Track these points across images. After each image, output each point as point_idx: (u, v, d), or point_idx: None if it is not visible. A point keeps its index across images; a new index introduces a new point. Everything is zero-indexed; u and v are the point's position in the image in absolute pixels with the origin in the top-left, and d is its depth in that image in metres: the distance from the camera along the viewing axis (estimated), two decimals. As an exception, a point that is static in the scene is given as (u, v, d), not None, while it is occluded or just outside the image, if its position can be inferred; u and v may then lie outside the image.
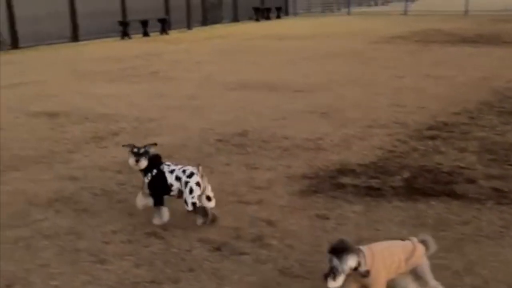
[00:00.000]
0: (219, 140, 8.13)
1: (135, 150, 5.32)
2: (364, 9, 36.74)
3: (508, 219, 5.31)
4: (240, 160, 7.23)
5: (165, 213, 5.40)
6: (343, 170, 6.73)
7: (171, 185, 5.27)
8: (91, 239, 5.12)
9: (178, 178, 5.24)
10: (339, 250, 3.58)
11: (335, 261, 3.54)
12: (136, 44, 22.14)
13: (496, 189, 6.01)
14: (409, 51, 17.03)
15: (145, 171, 5.35)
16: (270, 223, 5.37)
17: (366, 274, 3.62)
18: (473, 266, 4.47)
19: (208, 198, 5.36)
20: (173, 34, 25.80)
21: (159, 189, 5.33)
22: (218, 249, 4.89)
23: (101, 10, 24.31)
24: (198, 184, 5.22)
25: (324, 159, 7.18)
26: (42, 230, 5.33)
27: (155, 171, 5.32)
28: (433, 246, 3.95)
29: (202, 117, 9.57)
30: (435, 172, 6.58)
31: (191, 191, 5.19)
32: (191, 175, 5.22)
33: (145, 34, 24.95)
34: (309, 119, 9.19)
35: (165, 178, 5.29)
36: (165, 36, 25.10)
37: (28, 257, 4.81)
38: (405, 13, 32.32)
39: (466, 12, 30.49)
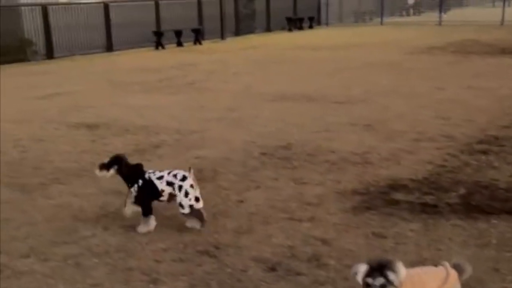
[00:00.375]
0: (263, 154, 7.97)
1: (102, 163, 5.58)
2: (397, 19, 36.39)
3: None
4: (287, 175, 7.06)
5: (152, 222, 5.47)
6: (395, 186, 6.53)
7: (162, 191, 5.34)
8: (142, 258, 4.98)
9: (170, 183, 5.31)
10: (384, 264, 3.34)
11: (383, 278, 3.28)
12: (171, 54, 22.12)
13: (559, 207, 5.77)
14: (448, 62, 16.75)
15: (130, 182, 5.44)
16: (325, 241, 5.19)
17: None
18: (545, 291, 4.26)
19: (196, 199, 5.39)
20: (207, 44, 25.77)
21: (147, 198, 5.41)
22: (273, 269, 4.72)
23: (135, 20, 24.39)
24: (192, 186, 5.31)
25: (373, 174, 6.99)
26: (91, 247, 5.20)
27: (140, 181, 5.38)
28: (468, 271, 3.73)
29: (244, 129, 9.43)
30: (491, 188, 6.35)
31: (186, 194, 5.29)
32: (184, 178, 5.30)
33: (179, 44, 24.93)
34: (353, 132, 9.00)
35: (153, 186, 5.34)
36: (198, 46, 25.08)
37: (78, 276, 4.68)
38: (439, 23, 31.92)
39: (502, 22, 29.97)
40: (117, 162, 5.53)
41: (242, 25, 30.12)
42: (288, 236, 5.32)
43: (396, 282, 3.24)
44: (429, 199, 6.09)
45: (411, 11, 42.81)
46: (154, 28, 25.12)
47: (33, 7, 21.48)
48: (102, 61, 20.66)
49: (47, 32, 21.54)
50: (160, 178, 5.36)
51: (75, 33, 22.43)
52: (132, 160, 7.82)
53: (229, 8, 28.85)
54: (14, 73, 17.85)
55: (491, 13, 34.03)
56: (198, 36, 25.94)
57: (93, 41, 23.16)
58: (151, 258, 4.96)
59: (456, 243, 5.08)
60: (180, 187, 5.28)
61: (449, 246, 5.03)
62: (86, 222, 5.80)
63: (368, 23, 36.62)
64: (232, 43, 26.19)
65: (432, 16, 35.24)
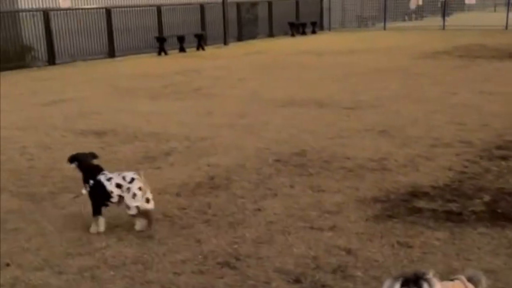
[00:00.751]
0: (277, 160, 7.79)
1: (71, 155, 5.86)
2: (399, 24, 36.21)
3: None
4: (304, 182, 6.87)
5: (101, 223, 5.58)
6: (416, 193, 6.34)
7: (111, 192, 5.41)
8: (160, 270, 4.79)
9: (118, 185, 5.38)
10: (420, 276, 3.17)
11: None
12: (174, 60, 21.94)
13: None
14: (456, 67, 16.56)
15: (85, 181, 5.56)
16: (349, 251, 5.00)
17: None
18: None
19: (147, 200, 5.46)
20: (209, 49, 25.57)
21: (97, 199, 5.52)
22: (298, 281, 4.54)
23: (137, 26, 24.23)
24: (140, 188, 5.38)
25: (392, 180, 6.80)
26: (107, 259, 5.01)
27: (91, 181, 5.48)
28: (483, 283, 3.56)
29: (255, 135, 9.24)
30: (516, 195, 6.17)
31: (134, 195, 5.36)
32: (132, 180, 5.38)
33: (182, 49, 24.76)
34: (368, 138, 8.81)
35: (103, 188, 5.41)
36: (201, 52, 24.88)
37: (96, 290, 4.49)
38: (443, 27, 31.75)
39: (506, 27, 29.76)
40: (78, 159, 5.73)
41: (245, 30, 29.97)
42: (310, 246, 5.13)
43: None
44: (453, 206, 5.91)
45: (413, 16, 42.67)
46: (156, 34, 24.95)
47: (34, 12, 21.28)
48: (105, 67, 20.45)
49: (49, 37, 21.33)
50: (110, 179, 5.45)
51: (77, 38, 22.24)
52: (142, 168, 7.71)
53: (232, 13, 28.71)
54: (17, 79, 17.66)
55: (494, 18, 33.84)
56: (201, 41, 25.76)
57: (95, 46, 22.99)
58: (170, 271, 4.77)
59: (486, 252, 4.90)
60: (128, 189, 5.35)
61: (478, 255, 4.84)
62: (99, 232, 5.60)
63: (371, 28, 36.44)
64: (235, 48, 26.01)
65: (434, 20, 35.08)
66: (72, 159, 5.75)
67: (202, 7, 27.54)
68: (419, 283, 3.10)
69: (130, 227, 5.70)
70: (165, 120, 10.67)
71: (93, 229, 5.55)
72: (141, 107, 12.12)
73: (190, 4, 27.10)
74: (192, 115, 11.09)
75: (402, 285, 3.10)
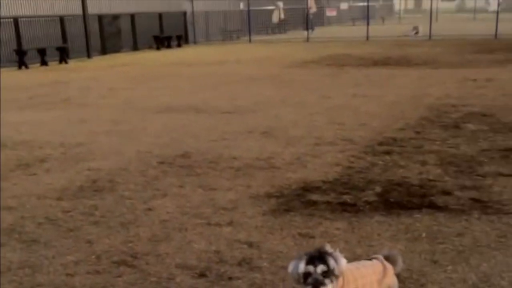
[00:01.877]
0: (162, 163, 7.52)
1: None
2: (263, 37, 36.66)
3: (503, 228, 5.01)
4: (193, 182, 6.65)
5: None
6: (308, 188, 6.29)
7: None
8: (51, 272, 4.43)
9: None
10: (325, 252, 3.09)
11: (325, 265, 3.03)
12: (37, 73, 20.94)
13: (475, 200, 5.74)
14: (326, 74, 16.84)
15: None
16: (251, 245, 4.85)
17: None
18: (490, 278, 4.14)
19: None
20: (73, 62, 24.71)
21: None
22: (203, 275, 4.33)
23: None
24: None
25: (282, 177, 6.72)
26: (-10, 265, 4.58)
27: None
28: (400, 262, 3.58)
29: (134, 140, 8.91)
30: (405, 185, 6.25)
31: None
32: None
33: (44, 63, 23.76)
34: (251, 139, 8.70)
35: None
36: (65, 65, 23.98)
37: (-19, 297, 4.07)
38: (307, 39, 32.49)
39: (367, 38, 30.92)
40: None
41: (108, 43, 29.23)
42: (210, 241, 4.94)
43: (337, 271, 3.02)
44: (347, 198, 5.90)
45: (276, 29, 43.41)
46: (15, 47, 23.74)
47: None
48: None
49: None
50: None
51: None
52: (16, 175, 7.22)
53: (94, 26, 27.93)
54: None
55: (354, 31, 35.11)
56: (64, 54, 24.85)
57: None
58: (62, 272, 4.43)
59: (386, 238, 4.90)
60: None
61: (379, 241, 4.84)
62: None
63: (236, 41, 36.67)
64: (100, 61, 25.29)
65: (297, 33, 35.85)
66: None
67: (62, 19, 26.52)
68: (324, 258, 3.02)
69: (10, 232, 5.29)
70: (35, 129, 10.11)
71: None
72: (7, 117, 11.42)
73: (49, 16, 26.00)
74: (64, 124, 10.58)
75: (307, 263, 3.01)
